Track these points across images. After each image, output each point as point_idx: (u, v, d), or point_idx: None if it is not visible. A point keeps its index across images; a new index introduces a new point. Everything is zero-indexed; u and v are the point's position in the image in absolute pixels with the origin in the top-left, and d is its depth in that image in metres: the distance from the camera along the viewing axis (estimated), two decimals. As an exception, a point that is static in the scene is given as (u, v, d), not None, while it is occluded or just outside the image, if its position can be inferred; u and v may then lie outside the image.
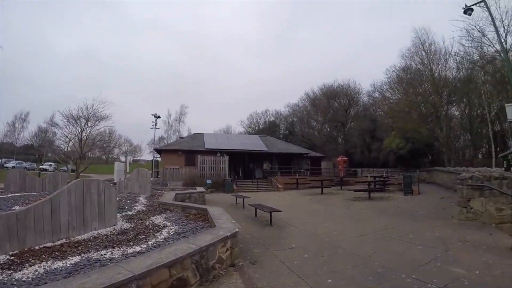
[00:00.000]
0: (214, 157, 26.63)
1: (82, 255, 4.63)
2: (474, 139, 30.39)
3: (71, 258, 4.48)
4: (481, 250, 6.16)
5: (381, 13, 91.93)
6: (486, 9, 19.76)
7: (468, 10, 14.78)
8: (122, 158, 73.33)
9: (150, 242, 5.30)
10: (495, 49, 23.37)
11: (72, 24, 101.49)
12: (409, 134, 28.17)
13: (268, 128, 55.96)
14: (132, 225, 6.87)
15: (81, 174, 21.96)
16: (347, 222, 9.85)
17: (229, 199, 15.74)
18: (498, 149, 26.73)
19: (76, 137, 22.87)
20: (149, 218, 7.69)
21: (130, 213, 8.49)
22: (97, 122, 23.39)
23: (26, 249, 4.92)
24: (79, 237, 5.73)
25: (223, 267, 4.86)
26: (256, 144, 33.64)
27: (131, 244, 5.26)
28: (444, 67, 30.11)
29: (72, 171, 25.80)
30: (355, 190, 17.36)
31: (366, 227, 8.90)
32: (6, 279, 3.70)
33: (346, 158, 33.88)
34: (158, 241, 5.40)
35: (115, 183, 13.99)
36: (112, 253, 4.73)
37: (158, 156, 34.12)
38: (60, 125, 23.84)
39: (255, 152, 31.87)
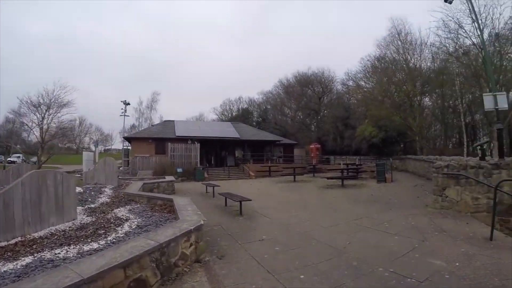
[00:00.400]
0: (185, 145, 26.58)
1: (35, 254, 4.37)
2: (445, 129, 32.09)
3: (23, 258, 4.21)
4: (459, 240, 6.10)
5: (359, 3, 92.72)
6: (465, 1, 20.46)
7: (449, -2, 14.78)
8: (94, 148, 72.40)
9: (109, 238, 5.07)
10: (471, 41, 24.51)
11: (40, 7, 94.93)
12: (382, 122, 29.10)
13: (241, 115, 56.78)
14: (93, 219, 6.62)
15: (43, 165, 20.37)
16: (320, 211, 9.72)
17: (199, 188, 15.65)
18: (468, 139, 28.30)
19: (37, 126, 21.13)
20: (112, 210, 7.49)
21: (93, 205, 8.27)
22: (59, 109, 21.66)
23: (-24, 251, 4.44)
24: (35, 234, 5.43)
25: (187, 264, 4.60)
26: (228, 131, 33.65)
27: (89, 240, 5.00)
28: (419, 57, 31.31)
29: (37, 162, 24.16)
30: (328, 178, 17.54)
31: (340, 216, 8.78)
32: None
33: (319, 146, 34.57)
34: (118, 236, 5.17)
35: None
36: (67, 251, 4.50)
37: (129, 144, 33.23)
38: (23, 114, 21.96)
39: (227, 140, 31.90)
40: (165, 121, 37.24)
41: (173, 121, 34.95)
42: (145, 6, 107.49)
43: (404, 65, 30.94)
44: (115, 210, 7.45)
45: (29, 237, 5.23)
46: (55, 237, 5.28)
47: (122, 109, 39.35)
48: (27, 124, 21.85)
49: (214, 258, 5.10)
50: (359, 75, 39.05)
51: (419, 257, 5.15)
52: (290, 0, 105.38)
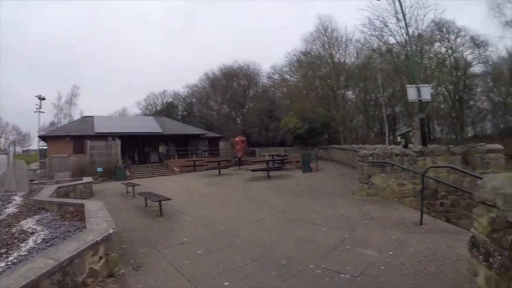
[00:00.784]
0: (105, 142, 25.38)
1: None
2: (367, 120, 35.40)
3: None
4: (389, 227, 5.95)
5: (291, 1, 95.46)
6: (392, 1, 22.16)
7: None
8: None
9: (10, 258, 4.39)
10: (395, 39, 27.18)
11: None
12: (306, 114, 30.67)
13: (166, 109, 56.52)
14: (-5, 235, 5.75)
15: None
16: (245, 205, 9.30)
17: (120, 188, 14.90)
18: (389, 129, 31.51)
19: None
20: (18, 222, 6.72)
21: (-3, 218, 7.28)
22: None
23: None
24: None
25: (98, 281, 4.07)
26: (151, 126, 32.50)
27: (-15, 263, 4.16)
28: (344, 53, 33.95)
29: None
30: (253, 170, 17.38)
31: (266, 209, 8.36)
32: None
33: (244, 138, 35.24)
34: (21, 255, 4.50)
35: None
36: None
37: (46, 144, 29.50)
38: None
39: (149, 135, 30.86)
40: (83, 117, 34.61)
41: (92, 117, 32.68)
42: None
43: (329, 60, 33.03)
44: (21, 222, 6.65)
45: None
46: None
47: (37, 105, 36.54)
48: None
49: (130, 270, 4.52)
50: (284, 69, 41.00)
51: (350, 249, 4.81)
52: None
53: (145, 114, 57.51)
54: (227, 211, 8.54)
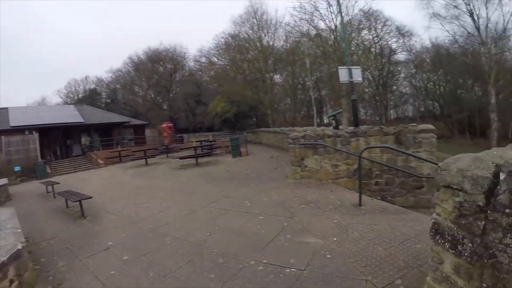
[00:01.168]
0: (21, 137, 23.24)
1: None
2: (295, 103, 37.03)
3: None
4: (328, 210, 5.91)
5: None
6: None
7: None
8: None
9: None
10: (325, 24, 28.42)
11: None
12: (234, 97, 31.19)
13: (88, 96, 53.97)
14: None
15: None
16: (174, 197, 8.84)
17: (40, 188, 13.81)
18: (317, 111, 33.18)
19: None
20: None
21: None
22: None
23: None
24: None
25: None
26: (72, 115, 29.99)
27: None
28: (273, 36, 35.05)
29: None
30: (181, 158, 16.92)
31: (197, 200, 7.95)
32: None
33: (171, 124, 34.33)
34: None
35: None
36: None
37: None
38: None
39: (71, 125, 28.63)
40: (-4, 109, 30.64)
41: (7, 108, 29.10)
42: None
43: (258, 44, 33.92)
44: None
45: None
46: None
47: None
48: None
49: (49, 290, 3.97)
50: (212, 51, 41.13)
51: (292, 238, 4.62)
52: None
53: (66, 103, 53.83)
54: (155, 205, 8.03)
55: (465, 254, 2.01)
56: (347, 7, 27.64)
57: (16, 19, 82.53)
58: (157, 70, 49.56)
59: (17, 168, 20.49)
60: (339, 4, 11.86)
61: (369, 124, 28.49)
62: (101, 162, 23.07)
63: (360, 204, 6.13)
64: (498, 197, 1.83)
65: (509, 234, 1.76)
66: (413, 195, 8.84)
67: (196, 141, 23.82)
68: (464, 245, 2.01)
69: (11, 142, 22.50)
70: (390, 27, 35.66)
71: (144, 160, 19.35)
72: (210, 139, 25.64)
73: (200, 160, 16.51)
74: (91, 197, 8.37)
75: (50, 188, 12.30)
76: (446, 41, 33.45)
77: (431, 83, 38.67)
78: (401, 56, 38.70)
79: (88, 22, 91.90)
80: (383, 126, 9.47)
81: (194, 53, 51.35)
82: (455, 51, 33.25)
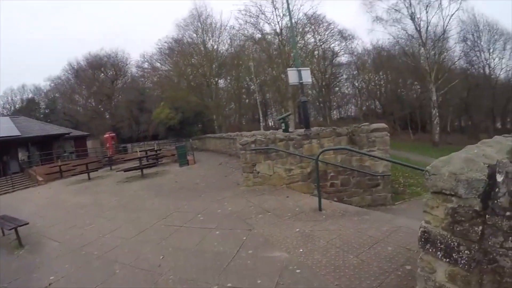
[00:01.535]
0: None
1: None
2: (240, 107, 38.00)
3: None
4: (288, 218, 5.65)
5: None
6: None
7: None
8: None
9: None
10: (270, 27, 29.31)
11: None
12: (178, 103, 30.97)
13: (26, 107, 51.73)
14: None
15: None
16: (121, 215, 8.06)
17: None
18: (262, 115, 34.49)
19: None
20: None
21: None
22: None
23: None
24: None
25: None
26: (7, 128, 27.17)
27: None
28: (217, 40, 35.12)
29: None
30: (125, 170, 15.94)
31: (146, 217, 7.30)
32: None
33: (114, 134, 32.96)
34: None
35: None
36: None
37: None
38: None
39: (5, 140, 25.86)
40: None
41: None
42: None
43: (202, 48, 34.02)
44: None
45: None
46: None
47: None
48: None
49: None
50: (155, 57, 40.78)
51: (255, 254, 4.28)
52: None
53: (2, 115, 49.56)
54: (100, 226, 7.25)
55: (462, 261, 1.90)
56: (292, 11, 28.64)
57: None
58: (98, 77, 47.76)
59: None
60: (288, 5, 11.81)
61: (313, 125, 29.59)
62: (40, 179, 21.36)
63: (320, 209, 5.96)
64: (498, 200, 1.72)
65: (510, 238, 1.68)
66: (369, 194, 9.01)
67: (140, 151, 22.83)
68: (460, 253, 1.91)
69: None
70: (333, 31, 37.57)
71: (86, 174, 18.16)
72: (155, 148, 24.86)
73: (146, 171, 15.79)
74: (27, 223, 7.32)
75: (-19, 214, 10.63)
76: (387, 43, 36.18)
77: (372, 84, 41.31)
78: (343, 58, 41.33)
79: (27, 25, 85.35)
80: (336, 127, 9.55)
81: (136, 59, 50.76)
82: (396, 53, 35.84)
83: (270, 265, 3.83)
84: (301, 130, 10.44)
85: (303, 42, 32.86)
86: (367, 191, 9.02)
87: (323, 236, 4.57)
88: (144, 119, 38.89)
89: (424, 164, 12.84)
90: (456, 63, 34.36)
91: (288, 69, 11.33)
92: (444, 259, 2.01)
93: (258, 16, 29.52)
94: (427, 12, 29.95)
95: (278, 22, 29.07)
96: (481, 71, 35.14)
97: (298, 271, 3.60)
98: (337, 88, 43.46)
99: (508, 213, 1.68)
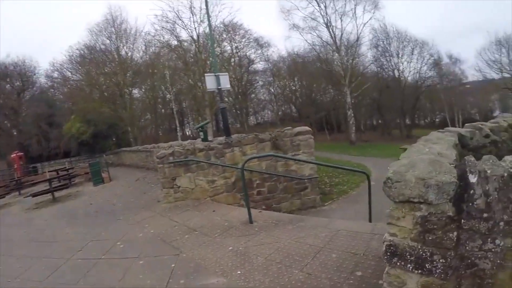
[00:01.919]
0: None
1: None
2: (156, 118, 37.17)
3: None
4: (219, 236, 5.20)
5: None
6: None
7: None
8: None
9: None
10: (187, 33, 29.37)
11: None
12: (91, 116, 29.45)
13: None
14: None
15: None
16: (31, 251, 6.67)
17: None
18: (179, 125, 34.24)
19: None
20: None
21: None
22: None
23: None
24: None
25: None
26: None
27: None
28: (132, 47, 34.17)
29: None
30: (34, 195, 14.16)
31: (59, 251, 6.15)
32: None
33: (22, 153, 29.67)
34: None
35: None
36: None
37: None
38: None
39: None
40: None
41: None
42: None
43: (116, 55, 32.90)
44: None
45: None
46: None
47: None
48: None
49: None
50: (66, 65, 37.48)
51: (187, 284, 3.78)
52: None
53: None
54: (7, 267, 5.85)
55: (437, 271, 1.81)
56: (210, 17, 28.85)
57: None
58: (3, 88, 41.94)
59: None
60: (207, 8, 11.44)
61: (231, 132, 29.97)
62: None
63: (251, 221, 5.63)
64: (474, 202, 1.69)
65: (489, 239, 1.68)
66: (298, 198, 9.03)
67: (50, 172, 21.02)
68: (435, 262, 1.81)
69: None
70: (249, 39, 38.71)
71: (-9, 202, 15.47)
72: (67, 167, 22.94)
73: (58, 194, 14.20)
74: None
75: None
76: (302, 49, 38.82)
77: (288, 89, 43.59)
78: (259, 65, 43.05)
79: None
80: (258, 133, 9.38)
81: (46, 67, 45.20)
82: (312, 59, 38.36)
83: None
84: (222, 138, 10.13)
85: (219, 49, 33.11)
86: (295, 195, 9.02)
87: (260, 252, 4.25)
88: (54, 134, 36.08)
89: (347, 162, 13.50)
90: (368, 67, 38.34)
91: (206, 74, 10.94)
92: (416, 271, 1.88)
93: (175, 22, 29.00)
94: (341, 21, 32.66)
95: (195, 28, 29.00)
96: (391, 74, 39.60)
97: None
98: (253, 95, 44.94)
99: (485, 215, 1.66)
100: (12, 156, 29.11)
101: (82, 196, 13.30)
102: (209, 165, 8.45)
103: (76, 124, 29.83)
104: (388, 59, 38.92)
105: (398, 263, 1.93)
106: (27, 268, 5.59)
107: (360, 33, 33.05)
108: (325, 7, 32.29)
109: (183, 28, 29.23)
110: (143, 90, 37.13)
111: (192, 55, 30.16)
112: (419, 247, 1.83)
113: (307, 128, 9.38)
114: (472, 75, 42.56)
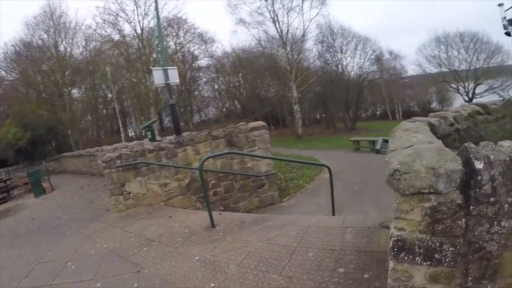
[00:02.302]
0: None
1: None
2: (97, 119, 35.61)
3: None
4: (181, 245, 4.85)
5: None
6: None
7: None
8: None
9: None
10: (131, 27, 28.66)
11: None
12: (28, 119, 27.82)
13: None
14: None
15: None
16: None
17: None
18: (122, 125, 33.29)
19: None
20: None
21: None
22: None
23: None
24: None
25: None
26: None
27: None
28: (71, 42, 32.35)
29: None
30: None
31: (2, 281, 5.25)
32: None
33: None
34: None
35: None
36: None
37: None
38: None
39: None
40: None
41: None
42: None
43: (54, 52, 31.19)
44: None
45: None
46: None
47: None
48: None
49: None
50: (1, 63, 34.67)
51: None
52: None
53: None
54: None
55: (447, 260, 1.85)
56: (153, 14, 28.20)
57: None
58: None
59: None
60: (157, 9, 10.74)
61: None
62: None
63: (213, 225, 5.36)
64: (482, 188, 1.73)
65: (495, 222, 1.75)
66: (256, 196, 8.94)
67: None
68: (444, 251, 1.84)
69: None
70: (193, 34, 38.08)
71: None
72: (4, 177, 21.20)
73: None
74: None
75: None
76: (247, 45, 38.80)
77: (232, 85, 44.08)
78: (203, 62, 42.73)
79: None
80: (211, 130, 9.09)
81: None
82: (257, 54, 38.69)
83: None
84: (171, 137, 9.72)
85: (162, 46, 32.59)
86: (253, 193, 8.91)
87: (231, 259, 4.02)
88: (-12, 142, 33.29)
89: (298, 156, 13.55)
90: (313, 62, 39.36)
91: (153, 68, 10.41)
92: (424, 263, 1.89)
93: (117, 15, 27.97)
94: (288, 16, 33.14)
95: (139, 21, 28.34)
96: (335, 69, 41.00)
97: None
98: (197, 92, 44.61)
99: (492, 199, 1.72)
100: None
101: (23, 210, 12.39)
102: (161, 167, 8.02)
103: (12, 129, 27.84)
104: (333, 55, 40.44)
105: (406, 258, 1.91)
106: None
107: (307, 28, 33.80)
108: (273, 2, 32.65)
109: (127, 21, 28.59)
110: (83, 89, 35.39)
111: (135, 50, 29.50)
112: (428, 238, 1.82)
113: (261, 123, 9.29)
114: (412, 70, 46.08)
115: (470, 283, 1.85)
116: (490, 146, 1.81)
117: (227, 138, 8.61)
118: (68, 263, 5.14)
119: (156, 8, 10.03)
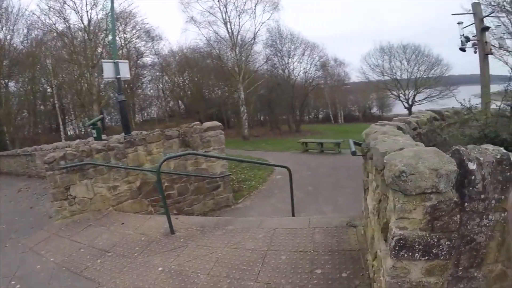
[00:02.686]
0: None
1: None
2: (35, 116, 33.76)
3: None
4: (140, 255, 4.55)
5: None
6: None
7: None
8: None
9: None
10: (77, 16, 27.58)
11: None
12: None
13: None
14: None
15: None
16: None
17: None
18: (62, 123, 31.89)
19: None
20: None
21: None
22: None
23: None
24: None
25: None
26: None
27: None
28: (12, 28, 29.94)
29: None
30: None
31: None
32: None
33: None
34: None
35: None
36: None
37: None
38: None
39: None
40: None
41: None
42: None
43: None
44: None
45: None
46: None
47: None
48: None
49: None
50: None
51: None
52: None
53: None
54: None
55: (443, 253, 2.02)
56: (103, 5, 26.73)
57: None
58: None
59: None
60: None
61: (119, 131, 28.29)
62: None
63: (172, 232, 5.16)
64: (475, 186, 1.92)
65: (484, 216, 1.97)
66: (211, 198, 8.85)
67: None
68: (441, 246, 2.00)
69: None
70: (140, 30, 37.64)
71: None
72: None
73: None
74: None
75: None
76: (196, 44, 38.55)
77: (176, 84, 44.19)
78: (148, 59, 42.13)
79: None
80: (164, 130, 8.82)
81: None
82: (206, 54, 38.75)
83: None
84: (119, 136, 9.25)
85: (108, 40, 31.23)
86: (208, 195, 8.79)
87: (199, 267, 3.87)
88: None
89: (247, 157, 13.53)
90: (261, 65, 40.30)
91: (103, 60, 9.77)
92: (422, 258, 2.03)
93: (65, 2, 26.56)
94: (239, 18, 33.54)
95: (87, 11, 27.20)
96: (282, 72, 42.30)
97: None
98: (140, 90, 43.77)
99: (482, 196, 1.93)
100: None
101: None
102: (109, 168, 7.57)
103: None
104: (280, 59, 41.69)
105: (406, 255, 2.03)
106: None
107: (257, 31, 34.44)
108: (226, 3, 32.83)
109: (74, 10, 27.40)
110: (20, 82, 32.95)
111: (79, 42, 28.46)
112: (427, 235, 1.97)
113: (217, 123, 9.22)
114: (356, 77, 49.87)
115: (460, 273, 2.03)
116: (477, 149, 2.02)
117: (181, 138, 8.39)
118: (12, 282, 4.57)
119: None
